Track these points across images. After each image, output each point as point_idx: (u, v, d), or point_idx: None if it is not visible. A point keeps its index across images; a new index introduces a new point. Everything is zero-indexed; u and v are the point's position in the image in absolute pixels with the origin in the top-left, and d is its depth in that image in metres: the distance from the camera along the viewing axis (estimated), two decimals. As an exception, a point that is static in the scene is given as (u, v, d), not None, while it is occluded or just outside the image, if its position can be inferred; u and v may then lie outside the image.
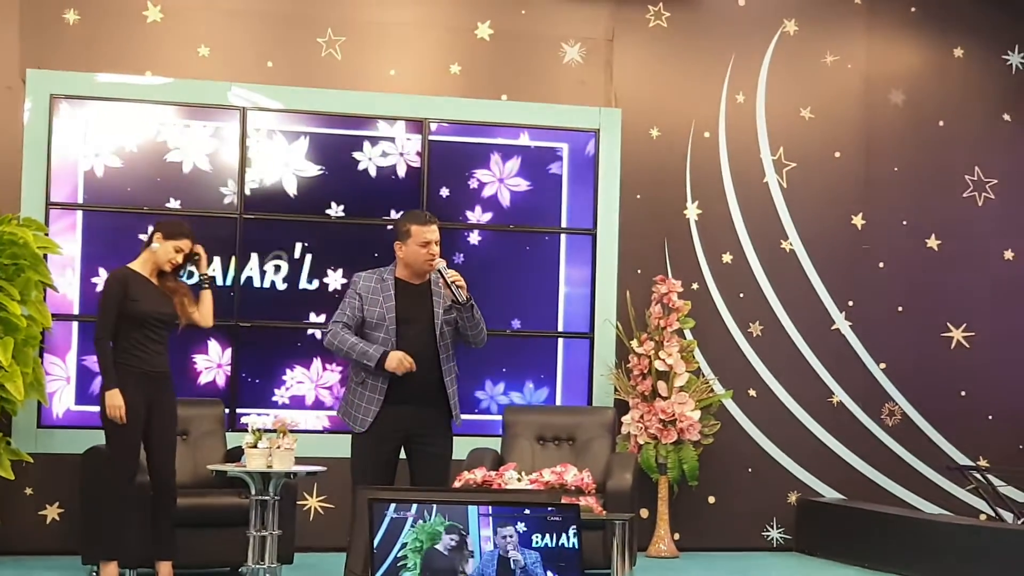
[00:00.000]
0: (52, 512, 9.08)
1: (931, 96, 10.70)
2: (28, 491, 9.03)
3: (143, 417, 7.54)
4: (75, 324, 9.23)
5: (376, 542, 5.71)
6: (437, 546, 5.73)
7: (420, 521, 5.79)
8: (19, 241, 8.44)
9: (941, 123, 10.68)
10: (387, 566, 5.71)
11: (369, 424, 7.22)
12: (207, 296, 7.85)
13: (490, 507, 5.87)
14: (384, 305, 7.25)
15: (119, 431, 7.50)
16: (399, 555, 5.70)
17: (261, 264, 9.57)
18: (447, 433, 7.39)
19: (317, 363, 9.62)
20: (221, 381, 9.46)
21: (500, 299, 9.93)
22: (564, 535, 5.97)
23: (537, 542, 5.88)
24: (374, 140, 9.79)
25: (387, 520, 5.74)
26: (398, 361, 7.08)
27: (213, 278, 7.92)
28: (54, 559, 8.73)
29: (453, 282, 7.11)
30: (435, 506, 5.81)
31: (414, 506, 5.79)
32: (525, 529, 5.88)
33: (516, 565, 5.81)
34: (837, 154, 10.51)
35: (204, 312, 7.86)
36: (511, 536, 5.83)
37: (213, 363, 9.45)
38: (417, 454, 7.34)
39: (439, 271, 7.18)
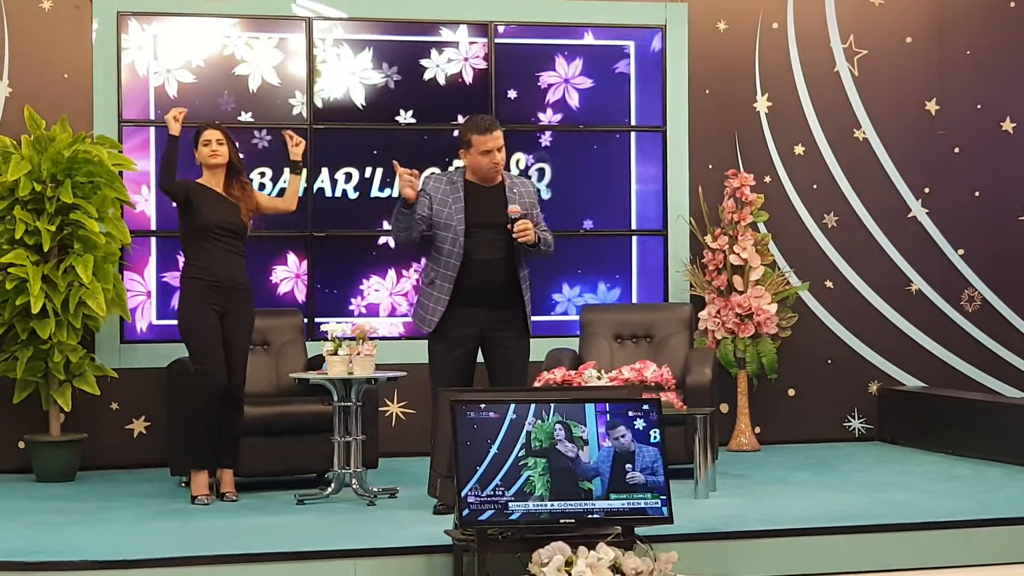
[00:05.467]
0: (139, 426, 9.22)
1: (1002, -25, 10.52)
2: (114, 406, 9.16)
3: (217, 326, 7.65)
4: (153, 240, 9.31)
5: (497, 444, 5.77)
6: (557, 446, 5.80)
7: (539, 421, 5.86)
8: (94, 159, 8.51)
9: (1012, 4, 10.49)
10: (508, 466, 5.78)
11: (436, 324, 7.29)
12: (294, 180, 7.98)
13: (607, 404, 5.94)
14: (453, 207, 7.28)
15: (199, 342, 7.62)
16: (520, 454, 5.78)
17: (332, 175, 9.60)
18: (523, 335, 7.44)
19: (392, 272, 9.66)
20: (298, 291, 9.53)
21: (572, 199, 9.92)
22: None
23: (655, 438, 5.94)
24: (440, 45, 9.76)
25: (507, 421, 5.80)
26: (400, 177, 7.21)
27: (303, 163, 8.03)
28: (143, 472, 8.86)
29: (520, 236, 7.16)
30: (553, 406, 5.88)
31: (532, 406, 5.86)
32: (644, 425, 5.93)
33: (632, 460, 5.87)
34: (909, 39, 10.36)
35: (289, 194, 8.02)
36: (625, 435, 5.90)
37: (291, 273, 9.51)
38: (493, 355, 7.41)
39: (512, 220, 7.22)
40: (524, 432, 5.81)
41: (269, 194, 9.24)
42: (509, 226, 7.20)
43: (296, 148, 7.94)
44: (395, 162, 7.34)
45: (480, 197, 7.32)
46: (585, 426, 5.88)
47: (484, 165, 7.30)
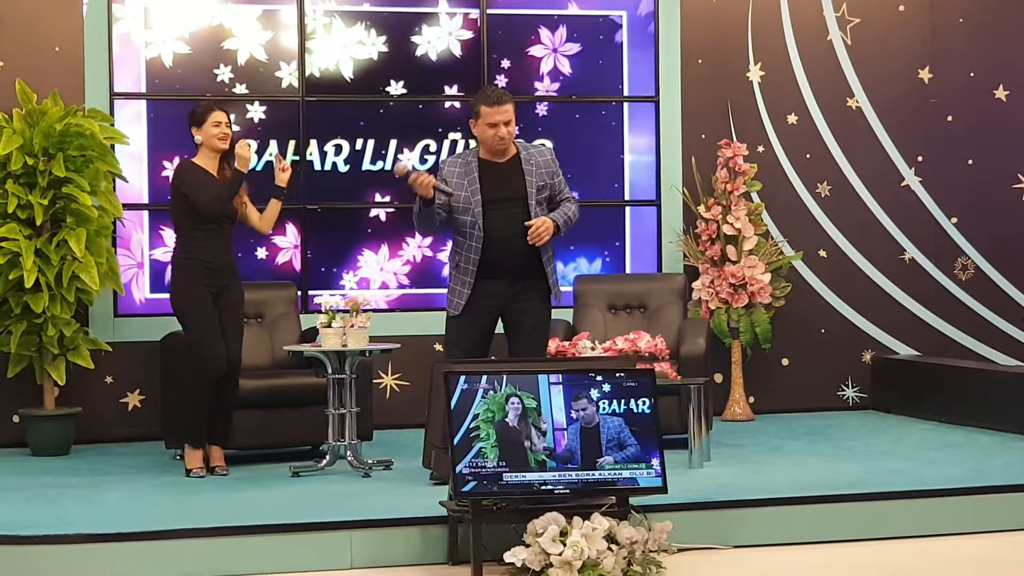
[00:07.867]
0: (133, 399, 9.22)
1: (995, -57, 10.49)
2: (108, 379, 9.16)
3: (212, 306, 7.63)
4: (145, 213, 9.30)
5: (450, 414, 5.78)
6: (507, 418, 5.81)
7: (491, 392, 5.86)
8: (86, 132, 8.49)
9: (1005, -29, 10.49)
10: (460, 436, 5.80)
11: (463, 307, 7.22)
12: (274, 205, 7.83)
13: (560, 375, 5.93)
14: (469, 188, 7.19)
15: (199, 326, 7.60)
16: (471, 426, 5.79)
17: (321, 146, 9.58)
18: (544, 304, 7.35)
19: (385, 246, 9.64)
20: (296, 262, 9.51)
21: (565, 170, 9.85)
22: (639, 401, 6.02)
23: (605, 408, 5.94)
24: (431, 16, 9.72)
25: (458, 392, 5.83)
26: (414, 178, 7.06)
27: (285, 190, 7.86)
28: (137, 445, 8.86)
29: (536, 242, 7.10)
30: (504, 377, 5.87)
31: (483, 377, 5.86)
32: (599, 396, 5.93)
33: (602, 433, 5.87)
34: (901, 7, 10.34)
35: (267, 218, 7.84)
36: (587, 408, 5.90)
37: (290, 244, 9.49)
38: (513, 326, 7.33)
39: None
40: (476, 402, 5.82)
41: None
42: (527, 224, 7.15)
43: (283, 174, 7.80)
44: (398, 168, 7.24)
45: (494, 173, 7.24)
46: (538, 398, 5.88)
47: (489, 137, 7.23)
